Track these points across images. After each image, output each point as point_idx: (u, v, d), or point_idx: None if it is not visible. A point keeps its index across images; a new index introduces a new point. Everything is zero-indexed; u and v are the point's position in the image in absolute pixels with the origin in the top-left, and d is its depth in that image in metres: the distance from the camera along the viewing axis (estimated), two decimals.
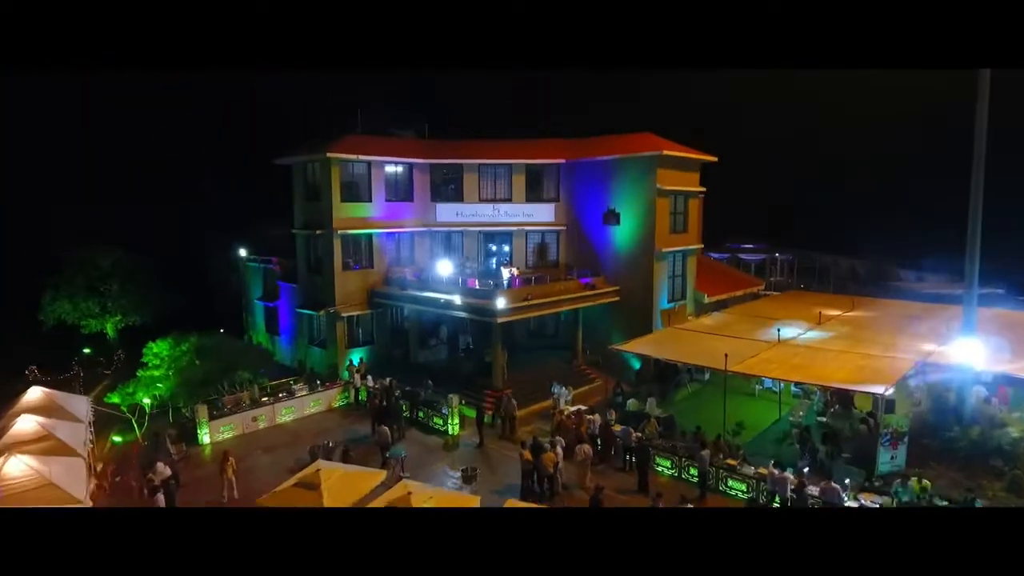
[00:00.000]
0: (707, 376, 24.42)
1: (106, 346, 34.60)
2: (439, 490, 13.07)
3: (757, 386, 23.47)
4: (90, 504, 13.86)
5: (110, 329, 36.03)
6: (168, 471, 15.96)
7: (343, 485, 12.96)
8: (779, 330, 21.28)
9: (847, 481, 15.12)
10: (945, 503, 14.15)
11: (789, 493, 14.78)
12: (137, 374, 22.83)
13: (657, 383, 23.75)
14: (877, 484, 15.49)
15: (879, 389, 15.97)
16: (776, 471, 15.28)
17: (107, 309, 35.37)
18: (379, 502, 12.29)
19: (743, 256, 50.51)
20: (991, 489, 15.06)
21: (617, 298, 26.56)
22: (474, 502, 12.93)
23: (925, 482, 14.59)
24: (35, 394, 18.32)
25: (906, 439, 16.38)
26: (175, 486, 15.51)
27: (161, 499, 14.62)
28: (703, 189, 28.42)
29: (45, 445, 14.92)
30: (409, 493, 12.10)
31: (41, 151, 51.93)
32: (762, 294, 31.96)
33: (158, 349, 23.30)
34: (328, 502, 12.31)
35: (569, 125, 38.56)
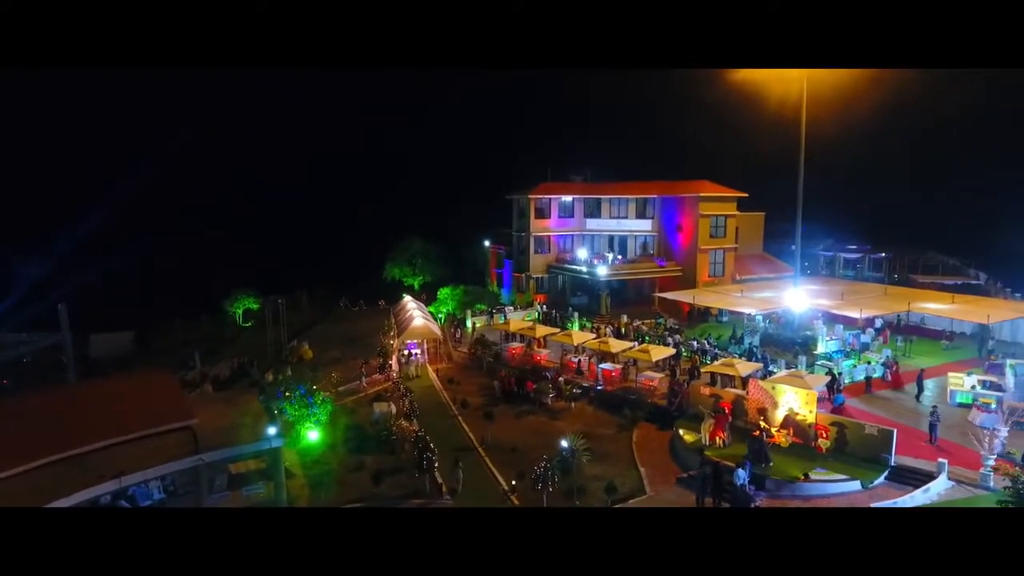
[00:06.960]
0: (724, 319, 44.48)
1: (413, 292, 64.50)
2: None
3: (747, 321, 43.24)
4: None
5: (416, 283, 65.84)
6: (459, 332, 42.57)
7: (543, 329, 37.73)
8: (742, 293, 41.22)
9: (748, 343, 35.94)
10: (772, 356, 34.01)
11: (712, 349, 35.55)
12: (435, 302, 50.42)
13: (691, 320, 44.66)
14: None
15: (751, 311, 36.12)
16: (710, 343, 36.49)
17: (415, 272, 65.14)
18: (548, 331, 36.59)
19: (842, 254, 65.10)
20: (790, 357, 34.30)
21: (679, 273, 47.60)
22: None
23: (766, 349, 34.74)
24: (408, 297, 46.21)
25: (759, 334, 36.29)
26: (462, 334, 41.59)
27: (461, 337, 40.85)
28: (736, 213, 47.90)
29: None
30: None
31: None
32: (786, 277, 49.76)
33: (444, 292, 50.64)
34: (538, 332, 37.00)
35: (674, 164, 59.65)
